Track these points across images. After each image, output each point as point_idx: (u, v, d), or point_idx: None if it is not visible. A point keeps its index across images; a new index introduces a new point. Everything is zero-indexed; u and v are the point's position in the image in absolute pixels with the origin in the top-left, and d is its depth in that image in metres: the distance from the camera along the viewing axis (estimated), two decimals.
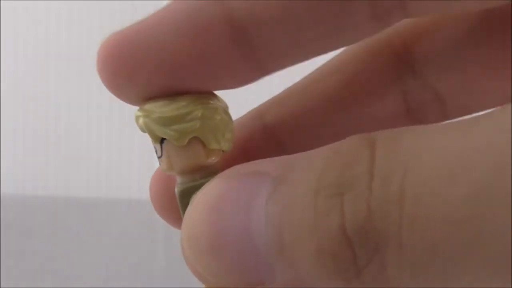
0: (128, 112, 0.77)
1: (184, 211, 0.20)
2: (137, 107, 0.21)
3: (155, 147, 0.20)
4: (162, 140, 0.20)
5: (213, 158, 0.20)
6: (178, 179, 0.21)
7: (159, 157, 0.20)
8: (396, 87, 0.21)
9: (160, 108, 0.20)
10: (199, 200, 0.16)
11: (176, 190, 0.20)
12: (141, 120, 0.20)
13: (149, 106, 0.20)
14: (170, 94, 0.20)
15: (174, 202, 0.21)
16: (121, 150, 0.80)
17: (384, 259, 0.13)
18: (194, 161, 0.20)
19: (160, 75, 0.19)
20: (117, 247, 0.64)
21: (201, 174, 0.21)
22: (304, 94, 0.22)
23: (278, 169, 0.15)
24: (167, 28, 0.19)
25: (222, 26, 0.19)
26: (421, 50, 0.21)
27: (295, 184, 0.15)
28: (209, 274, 0.15)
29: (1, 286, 0.55)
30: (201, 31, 0.19)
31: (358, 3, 0.18)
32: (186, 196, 0.20)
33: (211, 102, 0.20)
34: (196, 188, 0.20)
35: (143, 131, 0.20)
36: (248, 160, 0.18)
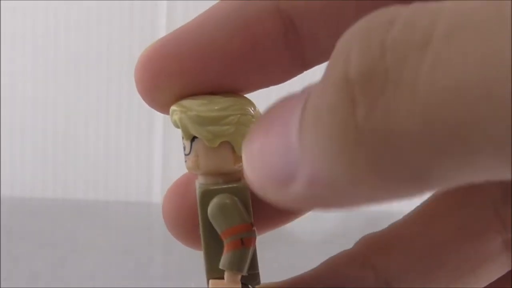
0: (128, 115, 0.77)
1: (203, 212, 0.20)
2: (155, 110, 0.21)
3: (184, 144, 0.20)
4: (193, 138, 0.20)
5: (240, 164, 0.20)
6: (201, 179, 0.21)
7: (186, 154, 0.20)
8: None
9: (199, 107, 0.20)
10: (256, 122, 0.17)
11: (198, 190, 0.20)
12: (176, 115, 0.20)
13: (187, 102, 0.20)
14: (207, 92, 0.21)
15: (189, 221, 0.21)
16: (120, 152, 0.80)
17: (390, 102, 0.12)
18: (221, 165, 0.21)
19: (204, 73, 0.20)
20: (116, 249, 0.64)
21: (224, 178, 0.21)
22: None
23: (307, 89, 0.15)
24: (217, 24, 0.19)
25: (273, 18, 0.19)
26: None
27: (320, 80, 0.14)
28: (257, 178, 0.16)
29: None
30: (253, 24, 0.19)
31: None
32: (207, 197, 0.20)
33: (249, 109, 0.21)
34: (218, 192, 0.20)
35: (176, 126, 0.20)
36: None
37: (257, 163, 0.16)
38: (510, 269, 0.21)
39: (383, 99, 0.12)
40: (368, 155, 0.12)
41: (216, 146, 0.20)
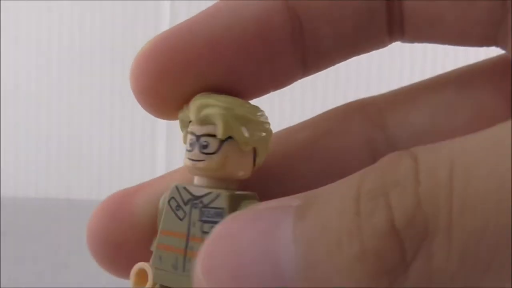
0: (131, 115, 0.77)
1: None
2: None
3: (207, 141, 0.19)
4: (226, 138, 0.19)
5: (250, 173, 0.20)
6: (213, 182, 0.20)
7: (210, 153, 0.19)
8: (365, 146, 0.22)
9: (240, 107, 0.19)
10: (219, 231, 0.16)
11: (224, 195, 0.19)
12: (214, 110, 0.19)
13: (221, 98, 0.19)
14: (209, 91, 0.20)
15: (120, 248, 0.20)
16: (123, 152, 0.80)
17: (432, 247, 0.13)
18: (243, 170, 0.20)
19: (209, 71, 0.19)
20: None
21: (225, 184, 0.20)
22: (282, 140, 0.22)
23: (301, 199, 0.15)
24: (223, 19, 0.19)
25: (281, 14, 0.19)
26: (394, 117, 0.22)
27: (327, 201, 0.15)
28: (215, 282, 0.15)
29: None
30: (262, 19, 0.19)
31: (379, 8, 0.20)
32: (234, 202, 0.19)
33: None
34: (246, 197, 0.19)
35: (203, 121, 0.19)
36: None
37: (227, 282, 0.15)
38: None
39: (426, 244, 0.13)
40: None
41: (246, 151, 0.20)
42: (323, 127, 0.22)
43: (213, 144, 0.19)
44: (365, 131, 0.22)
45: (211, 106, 0.19)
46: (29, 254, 0.62)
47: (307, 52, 0.20)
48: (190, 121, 0.20)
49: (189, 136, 0.19)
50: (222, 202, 0.19)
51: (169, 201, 0.20)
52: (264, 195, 0.19)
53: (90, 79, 0.79)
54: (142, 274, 0.20)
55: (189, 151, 0.19)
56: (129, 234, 0.21)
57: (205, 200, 0.19)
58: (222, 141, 0.19)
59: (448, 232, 0.13)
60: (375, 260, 0.14)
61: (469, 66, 0.22)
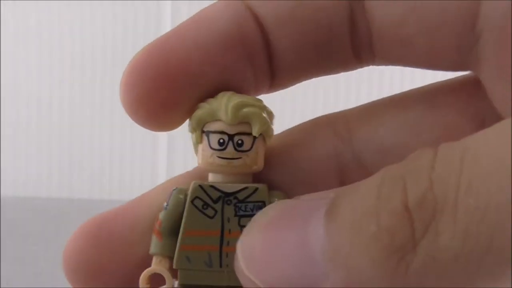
0: None
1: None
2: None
3: (242, 139, 0.20)
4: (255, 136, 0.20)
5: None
6: (232, 178, 0.20)
7: (246, 150, 0.20)
8: (331, 160, 0.23)
9: (263, 104, 0.20)
10: (258, 217, 0.17)
11: (262, 189, 0.20)
12: (253, 110, 0.20)
13: (248, 97, 0.20)
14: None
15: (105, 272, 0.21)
16: (124, 151, 0.80)
17: (439, 226, 0.14)
18: (262, 163, 0.21)
19: (199, 78, 0.20)
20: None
21: (251, 178, 0.21)
22: None
23: (332, 193, 0.16)
24: (202, 31, 0.20)
25: (251, 23, 0.20)
26: (361, 133, 0.23)
27: (356, 190, 0.16)
28: (266, 283, 0.16)
29: None
30: (233, 31, 0.20)
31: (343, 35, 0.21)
32: (269, 195, 0.20)
33: None
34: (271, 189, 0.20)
35: (240, 119, 0.20)
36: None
37: (262, 272, 0.16)
38: None
39: (434, 223, 0.14)
40: (420, 273, 0.14)
41: (266, 144, 0.20)
42: (293, 138, 0.23)
43: (247, 142, 0.20)
44: (332, 144, 0.23)
45: (250, 106, 0.20)
46: (29, 253, 0.62)
47: (274, 66, 0.21)
48: (207, 122, 0.20)
49: (215, 136, 0.20)
50: (262, 195, 0.20)
51: (192, 201, 0.20)
52: None
53: (91, 79, 0.79)
54: (151, 278, 0.20)
55: (220, 150, 0.20)
56: (109, 257, 0.21)
57: (240, 196, 0.20)
58: (254, 138, 0.20)
59: (454, 211, 0.14)
60: (387, 238, 0.15)
61: (437, 83, 0.23)
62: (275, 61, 0.21)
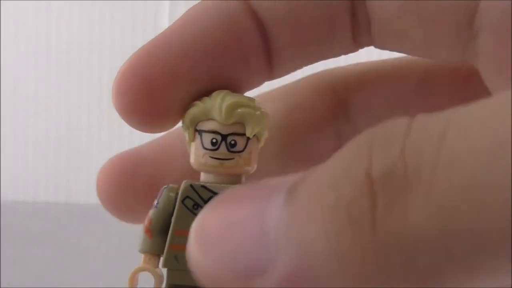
0: None
1: None
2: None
3: (235, 140, 0.19)
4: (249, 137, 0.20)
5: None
6: (223, 179, 0.20)
7: (239, 151, 0.19)
8: (331, 128, 0.23)
9: (259, 105, 0.20)
10: (216, 198, 0.16)
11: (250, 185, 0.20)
12: (247, 110, 0.19)
13: (243, 97, 0.20)
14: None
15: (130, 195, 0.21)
16: None
17: (408, 200, 0.12)
18: (256, 163, 0.20)
19: (191, 76, 0.20)
20: (118, 253, 0.64)
21: (242, 179, 0.20)
22: None
23: (295, 175, 0.14)
24: (195, 27, 0.20)
25: (248, 20, 0.20)
26: (358, 100, 0.23)
27: (322, 165, 0.14)
28: (212, 265, 0.14)
29: None
30: (231, 23, 0.20)
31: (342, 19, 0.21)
32: None
33: None
34: None
35: (234, 120, 0.19)
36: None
37: (213, 248, 0.14)
38: None
39: (402, 196, 0.12)
40: (380, 254, 0.12)
41: (260, 145, 0.20)
42: (294, 100, 0.23)
43: (240, 143, 0.19)
44: (331, 107, 0.23)
45: (244, 106, 0.19)
46: (29, 257, 0.62)
47: (273, 56, 0.21)
48: (201, 120, 0.20)
49: (208, 135, 0.19)
50: None
51: (182, 201, 0.20)
52: None
53: (89, 81, 0.79)
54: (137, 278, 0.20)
55: (213, 150, 0.19)
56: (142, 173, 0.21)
57: None
58: (248, 139, 0.20)
59: (429, 186, 0.12)
60: (344, 210, 0.13)
61: (433, 62, 0.23)
62: (274, 56, 0.21)
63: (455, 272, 0.12)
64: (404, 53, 0.22)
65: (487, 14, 0.19)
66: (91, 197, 0.87)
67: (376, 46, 0.22)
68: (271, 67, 0.21)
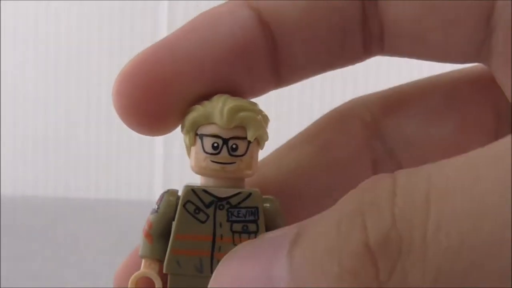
0: None
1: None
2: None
3: (236, 144, 0.19)
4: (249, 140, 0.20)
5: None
6: (224, 182, 0.20)
7: (240, 155, 0.19)
8: (366, 157, 0.23)
9: (259, 108, 0.20)
10: (229, 254, 0.17)
11: (256, 194, 0.19)
12: (249, 114, 0.19)
13: (244, 101, 0.20)
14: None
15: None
16: (121, 151, 0.80)
17: (406, 265, 0.14)
18: (257, 168, 0.20)
19: (196, 81, 0.19)
20: (117, 247, 0.64)
21: (244, 183, 0.20)
22: (281, 160, 0.22)
23: (295, 228, 0.16)
24: (201, 33, 0.19)
25: (255, 27, 0.20)
26: (389, 126, 0.23)
27: (317, 226, 0.15)
28: None
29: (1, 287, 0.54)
30: (236, 32, 0.19)
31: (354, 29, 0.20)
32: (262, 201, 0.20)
33: None
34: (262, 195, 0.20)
35: (236, 123, 0.19)
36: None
37: None
38: None
39: (400, 261, 0.14)
40: None
41: (260, 149, 0.20)
42: (322, 139, 0.22)
43: (242, 146, 0.19)
44: (365, 138, 0.22)
45: (246, 110, 0.19)
46: (28, 252, 0.62)
47: (281, 65, 0.21)
48: (201, 124, 0.20)
49: (210, 139, 0.19)
50: (255, 201, 0.19)
51: (184, 205, 0.19)
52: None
53: (88, 78, 0.79)
54: (140, 282, 0.20)
55: (214, 154, 0.19)
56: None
57: (233, 201, 0.19)
58: (249, 143, 0.19)
59: (422, 250, 0.13)
60: (351, 280, 0.14)
61: (457, 71, 0.23)
62: (282, 65, 0.20)
63: None
64: (417, 58, 0.21)
65: (502, 12, 0.19)
66: (90, 192, 0.87)
67: (386, 53, 0.21)
68: (279, 76, 0.21)
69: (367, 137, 0.22)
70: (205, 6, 0.21)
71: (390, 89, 0.23)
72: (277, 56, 0.20)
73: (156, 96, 0.19)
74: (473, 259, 0.13)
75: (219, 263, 0.17)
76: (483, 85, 0.22)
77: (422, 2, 0.20)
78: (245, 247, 0.17)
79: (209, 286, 0.16)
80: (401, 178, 0.14)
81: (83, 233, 0.69)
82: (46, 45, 0.79)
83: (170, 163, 0.79)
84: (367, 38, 0.21)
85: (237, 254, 0.16)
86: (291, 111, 0.79)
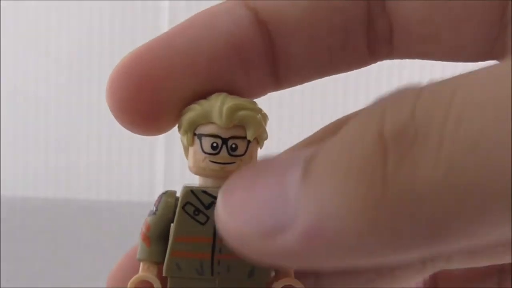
0: None
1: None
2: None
3: (236, 143, 0.19)
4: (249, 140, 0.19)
5: None
6: (221, 182, 0.18)
7: (240, 155, 0.19)
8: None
9: (258, 107, 0.19)
10: (238, 171, 0.17)
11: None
12: (248, 113, 0.19)
13: (243, 100, 0.19)
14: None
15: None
16: (121, 151, 0.80)
17: (418, 156, 0.13)
18: None
19: (196, 80, 0.19)
20: (117, 249, 0.64)
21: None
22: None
23: (311, 149, 0.15)
24: (197, 31, 0.19)
25: (252, 27, 0.19)
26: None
27: (335, 140, 0.14)
28: (238, 226, 0.15)
29: None
30: (232, 31, 0.19)
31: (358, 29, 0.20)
32: None
33: None
34: None
35: (235, 123, 0.19)
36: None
37: (238, 212, 0.15)
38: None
39: (412, 151, 0.13)
40: (391, 208, 0.13)
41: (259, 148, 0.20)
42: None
43: (241, 146, 0.19)
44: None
45: (245, 109, 0.19)
46: (28, 253, 0.62)
47: (279, 66, 0.20)
48: (200, 124, 0.19)
49: (209, 139, 0.19)
50: None
51: (183, 207, 0.19)
52: None
53: (88, 79, 0.79)
54: (139, 286, 0.20)
55: (213, 154, 0.19)
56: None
57: None
58: (248, 142, 0.19)
59: (438, 141, 0.13)
60: (358, 169, 0.13)
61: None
62: (280, 66, 0.20)
63: (462, 223, 0.13)
64: (428, 58, 0.21)
65: None
66: (90, 194, 0.87)
67: (394, 56, 0.21)
68: (277, 76, 0.20)
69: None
70: (205, 6, 0.20)
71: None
72: (275, 56, 0.20)
73: (148, 92, 0.19)
74: (489, 152, 0.12)
75: (221, 190, 0.16)
76: None
77: (433, 1, 0.19)
78: (258, 162, 0.16)
79: (219, 194, 0.16)
80: (429, 83, 0.14)
81: (84, 235, 0.69)
82: (46, 46, 0.79)
83: (171, 164, 0.79)
84: (372, 40, 0.20)
85: (251, 166, 0.16)
86: (299, 114, 0.79)
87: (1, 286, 0.55)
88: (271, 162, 0.16)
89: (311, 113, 0.78)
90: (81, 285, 0.57)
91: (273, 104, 0.74)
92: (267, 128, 0.20)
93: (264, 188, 0.15)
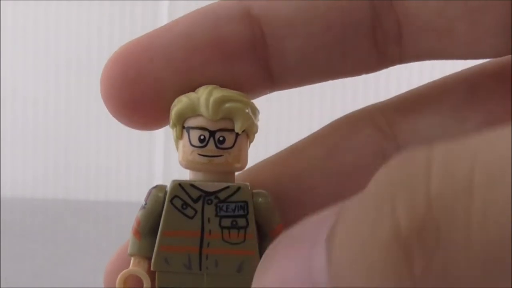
0: None
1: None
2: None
3: (224, 136, 0.19)
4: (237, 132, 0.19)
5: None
6: (213, 176, 0.19)
7: (227, 148, 0.19)
8: (378, 161, 0.21)
9: (248, 99, 0.19)
10: (263, 259, 0.16)
11: (245, 188, 0.19)
12: (236, 105, 0.19)
13: (231, 92, 0.19)
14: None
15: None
16: (120, 152, 0.80)
17: (447, 257, 0.12)
18: (246, 161, 0.19)
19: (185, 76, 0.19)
20: (116, 249, 0.64)
21: (233, 177, 0.20)
22: (288, 161, 0.21)
23: (337, 208, 0.14)
24: (188, 26, 0.19)
25: (242, 23, 0.19)
26: (404, 128, 0.21)
27: (353, 207, 0.13)
28: None
29: None
30: (222, 26, 0.19)
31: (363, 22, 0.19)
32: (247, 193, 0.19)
33: None
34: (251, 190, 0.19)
35: (222, 115, 0.19)
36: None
37: None
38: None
39: (439, 251, 0.12)
40: None
41: (250, 141, 0.20)
42: (333, 141, 0.21)
43: (229, 139, 0.19)
44: (377, 143, 0.21)
45: (232, 101, 0.19)
46: (28, 254, 0.62)
47: (272, 64, 0.20)
48: (188, 117, 0.19)
49: (196, 132, 0.19)
50: (244, 195, 0.19)
51: (171, 200, 0.19)
52: (282, 216, 0.20)
53: (87, 80, 0.79)
54: (129, 280, 0.20)
55: (201, 147, 0.19)
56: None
57: (222, 195, 0.19)
58: (237, 135, 0.19)
59: (466, 236, 0.11)
60: (381, 274, 0.12)
61: (477, 66, 0.21)
62: (273, 64, 0.20)
63: None
64: (441, 58, 0.20)
65: None
66: (89, 194, 0.87)
67: (406, 58, 0.20)
68: (271, 75, 0.20)
69: (380, 140, 0.21)
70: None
71: (405, 92, 0.22)
72: (268, 51, 0.19)
73: (132, 83, 0.19)
74: None
75: (261, 261, 0.15)
76: (505, 78, 0.20)
77: None
78: (285, 238, 0.15)
79: (252, 286, 0.15)
80: (438, 152, 0.12)
81: (83, 235, 0.69)
82: (46, 46, 0.79)
83: (170, 164, 0.79)
84: (380, 41, 0.20)
85: (277, 249, 0.15)
86: (296, 115, 0.79)
87: (1, 286, 0.55)
88: (297, 236, 0.15)
89: (311, 113, 0.78)
90: (81, 285, 0.57)
91: (273, 104, 0.74)
92: (264, 125, 0.20)
93: (295, 273, 0.14)
